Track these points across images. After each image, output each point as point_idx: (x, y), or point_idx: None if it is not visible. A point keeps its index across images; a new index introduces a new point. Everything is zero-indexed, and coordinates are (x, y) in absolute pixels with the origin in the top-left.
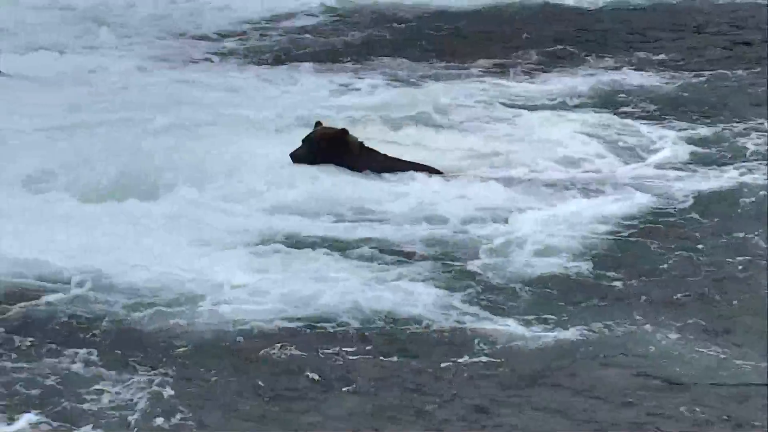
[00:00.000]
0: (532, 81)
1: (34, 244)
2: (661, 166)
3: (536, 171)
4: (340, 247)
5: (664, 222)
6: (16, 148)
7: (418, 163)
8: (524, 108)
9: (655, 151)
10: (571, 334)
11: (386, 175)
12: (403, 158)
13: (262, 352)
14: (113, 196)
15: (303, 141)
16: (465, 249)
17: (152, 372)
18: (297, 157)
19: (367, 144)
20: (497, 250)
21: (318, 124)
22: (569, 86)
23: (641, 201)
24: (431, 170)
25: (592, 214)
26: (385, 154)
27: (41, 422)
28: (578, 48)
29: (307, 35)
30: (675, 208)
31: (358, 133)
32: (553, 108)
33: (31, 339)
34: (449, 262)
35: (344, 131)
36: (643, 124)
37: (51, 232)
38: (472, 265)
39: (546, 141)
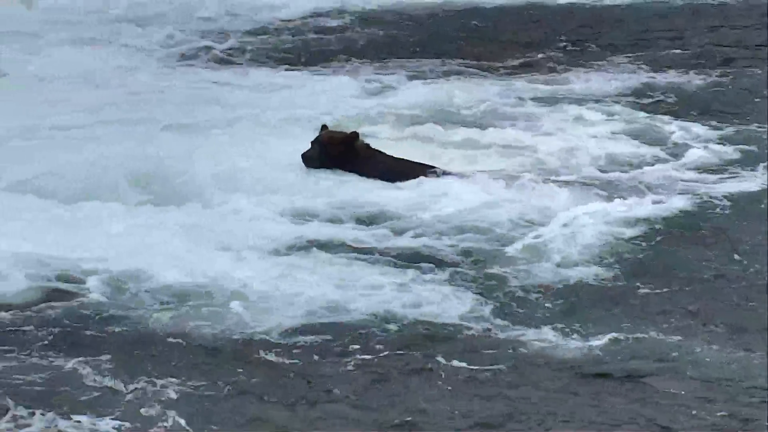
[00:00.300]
0: (558, 79)
1: (55, 245)
2: (693, 166)
3: (565, 172)
4: (365, 252)
5: (698, 225)
6: (34, 148)
7: (428, 165)
8: (551, 107)
9: (687, 150)
10: (599, 341)
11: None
12: (413, 160)
13: (287, 356)
14: (135, 198)
15: (312, 143)
16: (494, 253)
17: (175, 374)
18: (308, 159)
19: (384, 145)
20: (526, 255)
21: (324, 127)
22: (596, 85)
23: (675, 203)
24: (442, 172)
25: (622, 217)
26: (392, 157)
27: (60, 422)
28: (601, 46)
29: (333, 34)
30: (710, 210)
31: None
32: (580, 107)
33: (50, 340)
34: (479, 267)
35: (352, 136)
36: (673, 123)
37: (70, 233)
38: (502, 270)
39: (575, 141)
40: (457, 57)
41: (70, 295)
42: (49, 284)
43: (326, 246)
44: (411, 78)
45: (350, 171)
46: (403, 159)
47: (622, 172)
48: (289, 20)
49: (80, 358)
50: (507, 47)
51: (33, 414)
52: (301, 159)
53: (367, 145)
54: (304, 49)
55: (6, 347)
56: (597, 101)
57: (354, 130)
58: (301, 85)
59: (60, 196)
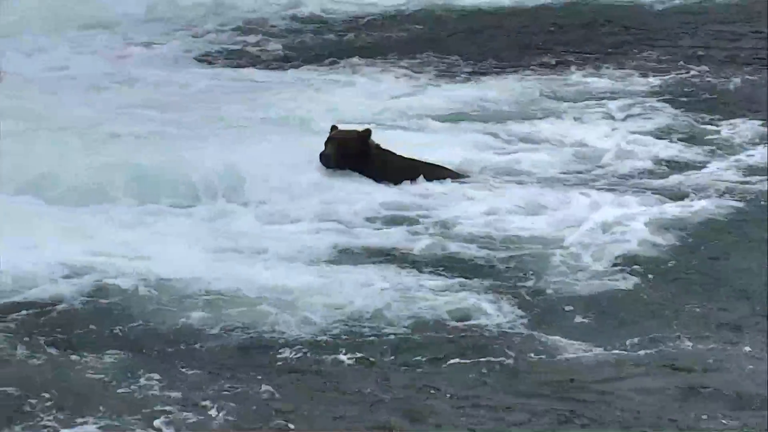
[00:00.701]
0: (594, 78)
1: (78, 248)
2: (741, 167)
3: (605, 174)
4: (388, 254)
5: (745, 231)
6: (50, 149)
7: (441, 167)
8: (587, 105)
9: (734, 150)
10: (638, 352)
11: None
12: (427, 161)
13: (317, 360)
14: (155, 200)
15: (327, 143)
16: (528, 260)
17: (194, 375)
18: (327, 158)
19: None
20: (562, 262)
21: (333, 128)
22: (633, 83)
23: (722, 207)
24: (453, 174)
25: (665, 222)
26: (403, 157)
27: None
28: (628, 45)
29: (359, 33)
30: (759, 214)
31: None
32: (618, 106)
33: (72, 340)
34: (514, 274)
35: (365, 133)
36: (720, 122)
37: (91, 236)
38: (539, 277)
39: (613, 141)
40: (488, 56)
41: (95, 298)
42: (73, 287)
43: (349, 250)
44: (441, 77)
45: (362, 172)
46: (416, 160)
47: (665, 173)
48: (314, 17)
49: (102, 360)
50: (539, 46)
51: (59, 417)
52: (319, 159)
53: (377, 145)
54: (331, 47)
55: (31, 348)
56: (635, 100)
57: (362, 130)
58: (329, 84)
59: (79, 199)
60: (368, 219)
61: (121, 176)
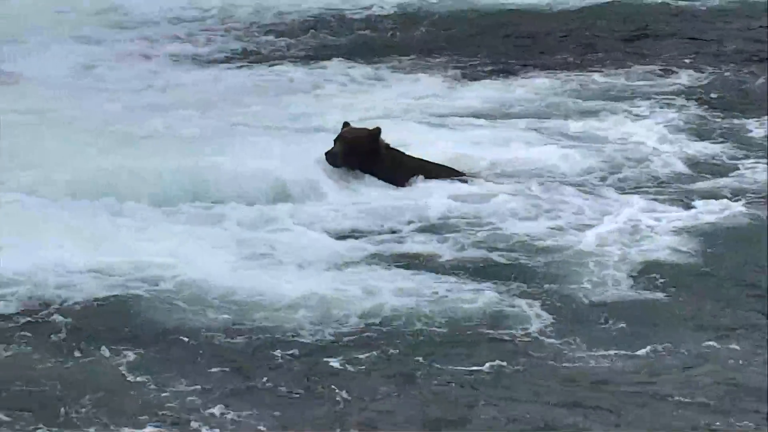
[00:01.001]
0: (618, 77)
1: (104, 251)
2: None
3: (630, 174)
4: (415, 259)
5: None
6: (71, 151)
7: (450, 168)
8: (613, 104)
9: (761, 149)
10: (660, 355)
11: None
12: (438, 162)
13: (347, 363)
14: (182, 202)
15: (335, 141)
16: (551, 265)
17: (210, 378)
18: (333, 157)
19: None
20: (585, 264)
21: (345, 124)
22: (653, 82)
23: (753, 208)
24: (462, 174)
25: (695, 225)
26: (412, 157)
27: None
28: (652, 44)
29: (386, 31)
30: None
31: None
32: (645, 104)
33: (95, 341)
34: (536, 279)
35: (372, 133)
36: (740, 121)
37: (118, 239)
38: (558, 280)
39: (640, 140)
40: (513, 55)
41: (109, 298)
42: (102, 291)
43: (381, 255)
44: (467, 75)
45: (371, 172)
46: (425, 161)
47: (696, 174)
48: (337, 15)
49: (125, 360)
50: (563, 45)
51: (83, 416)
52: (324, 158)
53: (387, 145)
54: (354, 45)
55: (55, 348)
56: (661, 99)
57: (377, 125)
58: (356, 84)
59: (108, 201)
60: (394, 223)
61: (150, 177)
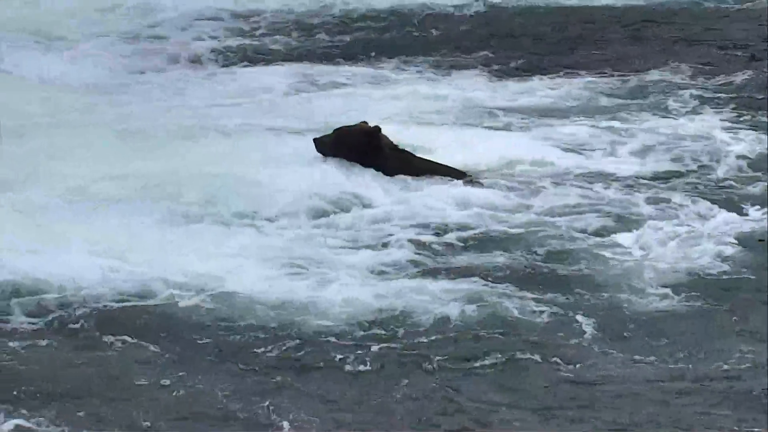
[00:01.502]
0: (651, 75)
1: (132, 260)
2: None
3: (672, 174)
4: (449, 265)
5: None
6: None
7: (452, 167)
8: (651, 103)
9: None
10: (695, 365)
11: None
12: (444, 164)
13: (397, 370)
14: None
15: (334, 131)
16: (591, 268)
17: (252, 382)
18: (321, 144)
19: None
20: (626, 270)
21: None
22: (693, 81)
23: None
24: (466, 175)
25: (745, 232)
26: (418, 157)
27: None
28: (684, 44)
29: (421, 30)
30: None
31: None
32: (688, 103)
33: (124, 342)
34: (573, 283)
35: (367, 130)
36: None
37: (142, 246)
38: (597, 286)
39: (690, 141)
40: (546, 54)
41: (146, 308)
42: (128, 301)
43: (416, 263)
44: (500, 75)
45: (370, 166)
46: (435, 162)
47: (742, 176)
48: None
49: (156, 361)
50: (597, 44)
51: (110, 416)
52: (313, 143)
53: (391, 144)
54: (373, 45)
55: (85, 349)
56: (701, 98)
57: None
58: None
59: (144, 205)
60: (420, 229)
61: (187, 182)
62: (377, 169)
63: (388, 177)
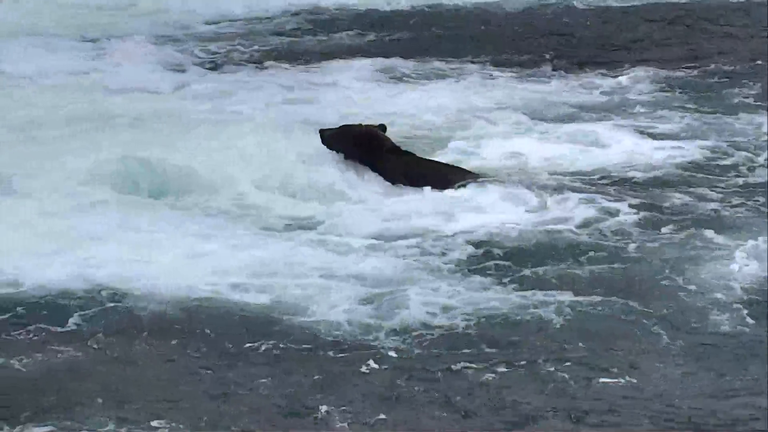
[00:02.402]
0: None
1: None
2: None
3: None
4: (467, 266)
5: None
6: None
7: (463, 169)
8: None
9: None
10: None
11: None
12: (449, 164)
13: (420, 372)
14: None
15: (340, 126)
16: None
17: (250, 368)
18: (326, 137)
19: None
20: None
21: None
22: (715, 80)
23: None
24: (476, 176)
25: None
26: (422, 159)
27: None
28: (708, 41)
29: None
30: None
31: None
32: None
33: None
34: (628, 294)
35: (377, 130)
36: None
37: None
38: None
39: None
40: (566, 55)
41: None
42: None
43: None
44: (522, 75)
45: (373, 168)
46: (440, 162)
47: None
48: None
49: (164, 360)
50: (620, 44)
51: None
52: (318, 133)
53: (394, 145)
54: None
55: (91, 346)
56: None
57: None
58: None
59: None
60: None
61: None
62: (373, 170)
63: (389, 183)
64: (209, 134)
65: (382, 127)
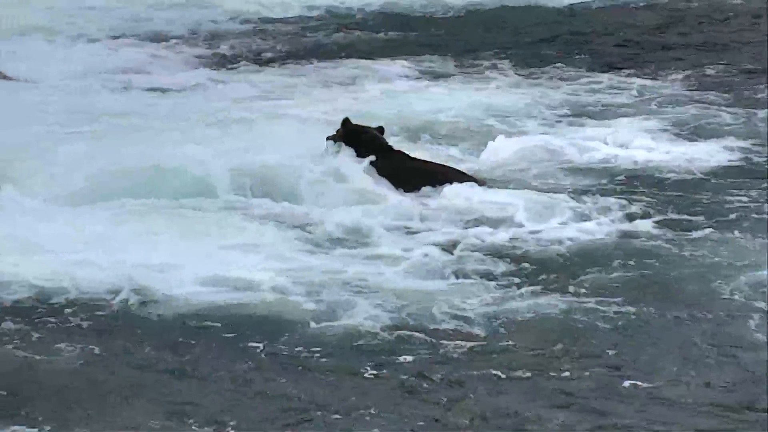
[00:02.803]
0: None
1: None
2: None
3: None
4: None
5: None
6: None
7: (459, 171)
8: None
9: None
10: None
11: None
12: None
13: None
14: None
15: (342, 124)
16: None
17: (257, 369)
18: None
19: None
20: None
21: (346, 121)
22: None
23: None
24: (473, 179)
25: None
26: (418, 160)
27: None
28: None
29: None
30: None
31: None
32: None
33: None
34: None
35: (374, 132)
36: None
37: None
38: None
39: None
40: (582, 56)
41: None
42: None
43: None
44: (533, 76)
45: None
46: (436, 164)
47: None
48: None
49: (156, 361)
50: (636, 45)
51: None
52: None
53: (390, 147)
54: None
55: (80, 344)
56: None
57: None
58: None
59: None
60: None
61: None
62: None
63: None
64: (237, 133)
65: (380, 129)
